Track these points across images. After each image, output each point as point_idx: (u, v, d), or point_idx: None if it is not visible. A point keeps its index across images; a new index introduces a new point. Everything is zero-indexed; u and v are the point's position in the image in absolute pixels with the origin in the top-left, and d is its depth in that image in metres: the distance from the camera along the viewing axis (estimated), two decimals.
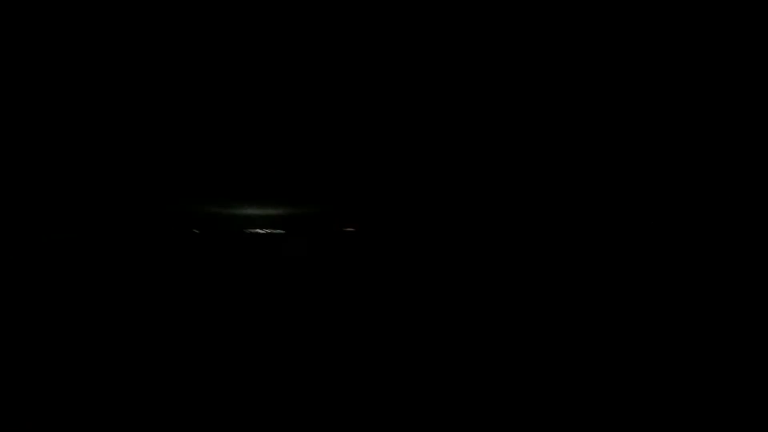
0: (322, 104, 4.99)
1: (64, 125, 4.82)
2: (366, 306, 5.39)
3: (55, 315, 4.87)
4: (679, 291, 5.01)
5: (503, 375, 3.80)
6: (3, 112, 4.70)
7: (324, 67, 4.17)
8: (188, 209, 5.69)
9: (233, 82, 4.45)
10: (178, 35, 3.21)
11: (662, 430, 2.89)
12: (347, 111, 5.05)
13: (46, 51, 3.37)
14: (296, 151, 5.49)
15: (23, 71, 3.72)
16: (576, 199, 5.34)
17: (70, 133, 4.98)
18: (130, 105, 4.63)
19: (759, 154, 4.09)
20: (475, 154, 5.48)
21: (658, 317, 4.83)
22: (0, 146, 4.95)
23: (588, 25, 2.51)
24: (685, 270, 5.09)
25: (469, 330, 4.90)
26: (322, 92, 4.77)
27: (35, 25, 2.95)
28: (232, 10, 2.92)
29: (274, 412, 3.38)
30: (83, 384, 3.78)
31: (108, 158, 5.15)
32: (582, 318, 5.06)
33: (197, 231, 5.74)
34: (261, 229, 5.83)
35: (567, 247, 5.59)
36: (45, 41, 3.24)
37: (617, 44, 2.76)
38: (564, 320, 5.05)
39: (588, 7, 2.39)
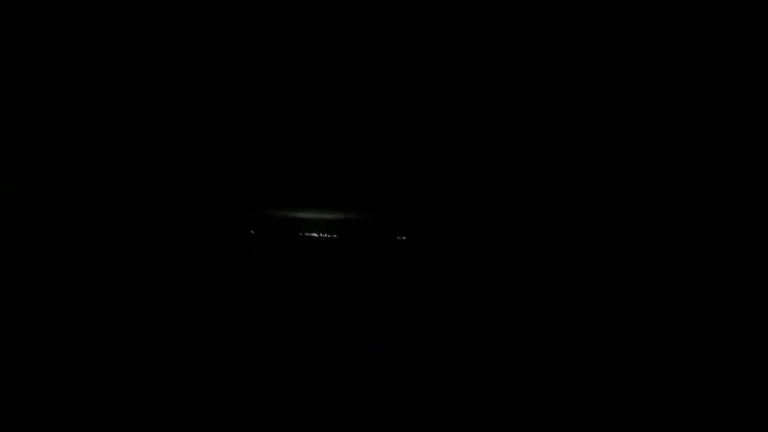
0: (380, 113, 4.99)
1: (132, 131, 5.13)
2: (413, 314, 5.36)
3: (119, 314, 5.17)
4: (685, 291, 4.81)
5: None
6: (76, 124, 5.06)
7: (383, 74, 4.17)
8: (246, 211, 5.91)
9: (295, 88, 4.54)
10: (248, 46, 3.31)
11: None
12: (405, 120, 5.03)
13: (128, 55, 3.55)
14: (352, 156, 5.56)
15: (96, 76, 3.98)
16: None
17: (138, 139, 5.29)
18: (194, 113, 4.85)
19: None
20: (537, 163, 5.30)
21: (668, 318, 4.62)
22: (70, 156, 5.34)
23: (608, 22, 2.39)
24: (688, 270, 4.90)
25: (524, 344, 4.74)
26: (380, 100, 4.77)
27: (106, 30, 3.14)
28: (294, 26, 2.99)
29: (329, 416, 3.39)
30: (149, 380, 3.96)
31: (170, 163, 5.44)
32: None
33: (253, 232, 5.96)
34: (315, 233, 5.96)
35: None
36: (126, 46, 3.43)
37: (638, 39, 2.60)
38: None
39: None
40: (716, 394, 3.29)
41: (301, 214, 5.86)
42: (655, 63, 2.74)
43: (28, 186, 5.18)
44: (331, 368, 4.36)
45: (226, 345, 4.88)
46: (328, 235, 5.95)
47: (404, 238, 5.95)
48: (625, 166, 4.41)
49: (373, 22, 2.88)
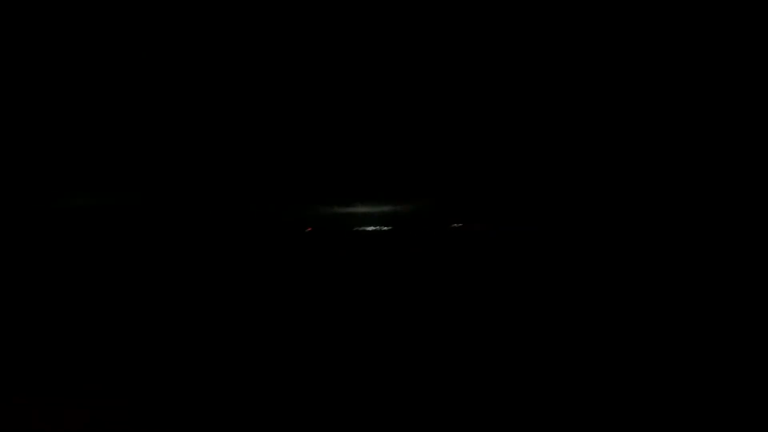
0: (429, 101, 4.86)
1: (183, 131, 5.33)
2: (474, 307, 5.15)
3: (174, 312, 5.44)
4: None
5: None
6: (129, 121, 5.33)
7: (437, 58, 4.04)
8: (299, 209, 6.01)
9: (350, 79, 4.50)
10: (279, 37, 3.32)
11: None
12: (459, 104, 4.86)
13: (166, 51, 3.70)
14: (404, 147, 5.46)
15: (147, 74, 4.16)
16: None
17: (189, 140, 5.51)
18: (245, 111, 4.97)
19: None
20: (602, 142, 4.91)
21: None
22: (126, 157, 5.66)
23: None
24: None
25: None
26: (429, 86, 4.65)
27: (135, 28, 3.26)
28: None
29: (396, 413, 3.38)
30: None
31: (224, 162, 5.64)
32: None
33: (310, 229, 6.04)
34: (368, 226, 5.93)
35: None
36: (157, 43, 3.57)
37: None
38: None
39: None
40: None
41: (354, 209, 5.86)
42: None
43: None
44: (393, 362, 4.34)
45: (290, 341, 4.98)
46: (383, 228, 5.89)
47: (460, 225, 5.75)
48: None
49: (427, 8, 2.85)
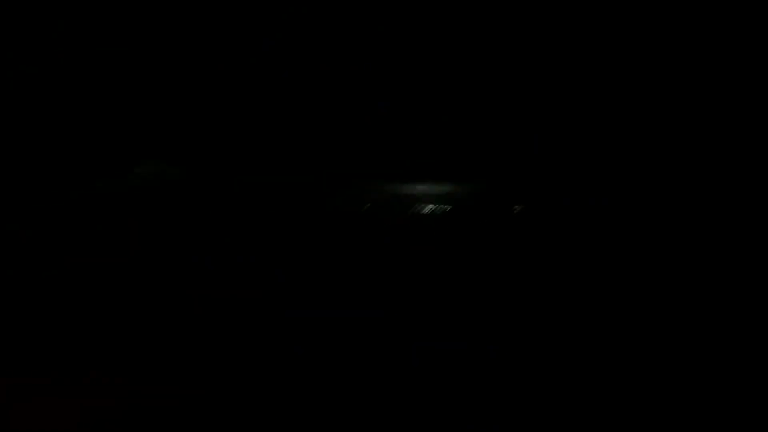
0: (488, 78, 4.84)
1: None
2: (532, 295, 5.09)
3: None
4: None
5: None
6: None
7: (499, 34, 4.02)
8: (357, 187, 6.04)
9: (408, 54, 4.51)
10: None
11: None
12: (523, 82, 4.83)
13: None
14: (465, 124, 5.44)
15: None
16: None
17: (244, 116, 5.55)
18: (302, 87, 4.98)
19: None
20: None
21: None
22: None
23: None
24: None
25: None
26: (495, 67, 4.62)
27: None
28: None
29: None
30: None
31: (283, 137, 5.68)
32: None
33: (368, 206, 6.06)
34: (427, 205, 5.93)
35: None
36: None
37: None
38: None
39: None
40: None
41: (413, 188, 5.87)
42: None
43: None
44: (452, 346, 4.29)
45: (345, 317, 4.97)
46: (443, 207, 5.88)
47: (521, 207, 5.72)
48: None
49: None
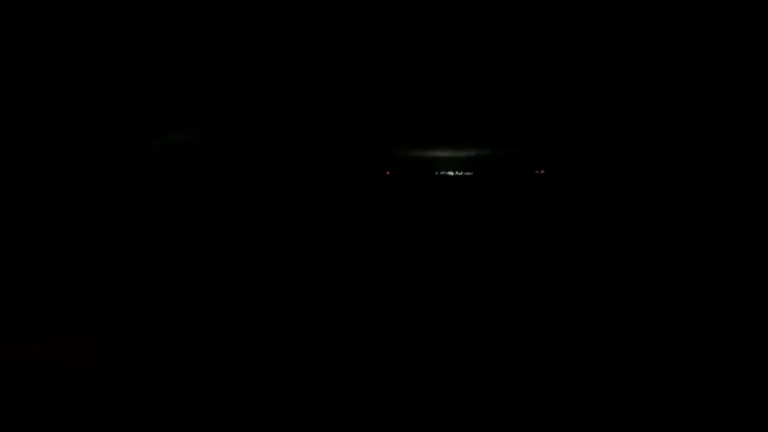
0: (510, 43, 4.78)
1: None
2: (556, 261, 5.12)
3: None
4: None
5: None
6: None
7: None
8: (380, 152, 6.02)
9: (434, 20, 4.47)
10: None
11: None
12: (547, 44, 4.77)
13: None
14: (487, 90, 5.39)
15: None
16: None
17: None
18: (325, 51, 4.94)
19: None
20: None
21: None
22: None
23: None
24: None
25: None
26: (509, 32, 4.57)
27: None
28: None
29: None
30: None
31: (309, 103, 5.65)
32: None
33: (389, 172, 6.07)
34: (450, 171, 5.93)
35: None
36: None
37: None
38: None
39: None
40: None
41: (435, 153, 5.86)
42: None
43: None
44: (472, 304, 4.37)
45: (369, 286, 5.06)
46: (465, 173, 5.89)
47: (543, 171, 5.72)
48: None
49: None
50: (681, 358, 3.53)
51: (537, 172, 5.81)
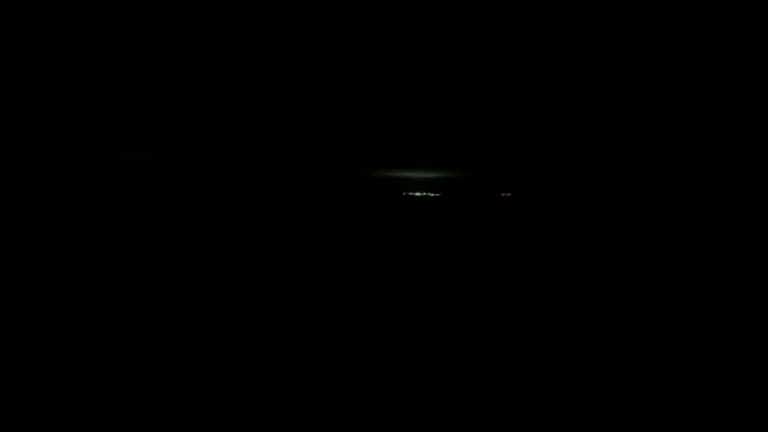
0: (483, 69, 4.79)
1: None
2: (521, 280, 5.15)
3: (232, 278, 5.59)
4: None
5: None
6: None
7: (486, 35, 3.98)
8: (348, 174, 6.07)
9: (400, 41, 4.49)
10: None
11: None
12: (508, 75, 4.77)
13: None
14: (455, 113, 5.41)
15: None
16: None
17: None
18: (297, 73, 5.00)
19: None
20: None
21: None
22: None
23: None
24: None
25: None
26: (481, 57, 4.58)
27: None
28: None
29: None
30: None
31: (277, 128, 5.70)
32: None
33: (356, 195, 6.12)
34: (417, 192, 5.97)
35: None
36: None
37: None
38: None
39: None
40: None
41: (404, 174, 5.90)
42: None
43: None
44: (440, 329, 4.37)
45: (336, 304, 5.09)
46: (432, 194, 5.92)
47: (509, 195, 5.72)
48: None
49: None
50: (663, 377, 3.51)
51: (503, 195, 5.82)
